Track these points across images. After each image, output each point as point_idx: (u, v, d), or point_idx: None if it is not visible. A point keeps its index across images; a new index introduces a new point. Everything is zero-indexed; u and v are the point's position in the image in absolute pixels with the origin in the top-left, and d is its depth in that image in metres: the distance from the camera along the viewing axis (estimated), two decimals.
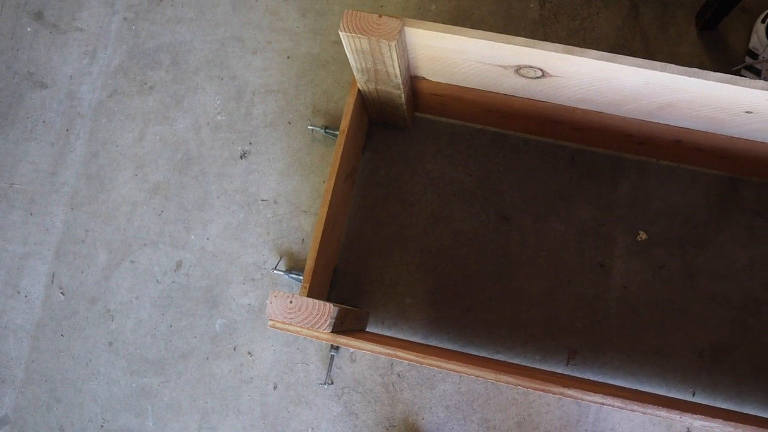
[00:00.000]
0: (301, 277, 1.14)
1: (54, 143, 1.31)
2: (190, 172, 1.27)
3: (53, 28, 1.35)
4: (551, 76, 0.95)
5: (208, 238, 1.25)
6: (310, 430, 1.17)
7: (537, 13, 1.27)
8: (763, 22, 1.21)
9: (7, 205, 1.30)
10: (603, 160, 1.21)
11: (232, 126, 1.28)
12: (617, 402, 0.81)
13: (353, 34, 0.90)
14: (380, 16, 0.89)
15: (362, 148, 1.24)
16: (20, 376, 1.24)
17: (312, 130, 1.26)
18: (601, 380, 1.15)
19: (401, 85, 1.03)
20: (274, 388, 1.19)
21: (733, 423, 0.81)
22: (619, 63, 0.87)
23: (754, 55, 1.21)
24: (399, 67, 0.95)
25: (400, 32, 0.89)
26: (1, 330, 1.26)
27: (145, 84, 1.32)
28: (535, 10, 1.27)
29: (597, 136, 1.15)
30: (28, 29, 1.35)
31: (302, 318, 0.84)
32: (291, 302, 0.84)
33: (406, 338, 1.18)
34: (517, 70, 0.95)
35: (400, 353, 0.84)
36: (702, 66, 1.23)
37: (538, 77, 0.96)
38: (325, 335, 0.85)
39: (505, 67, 0.96)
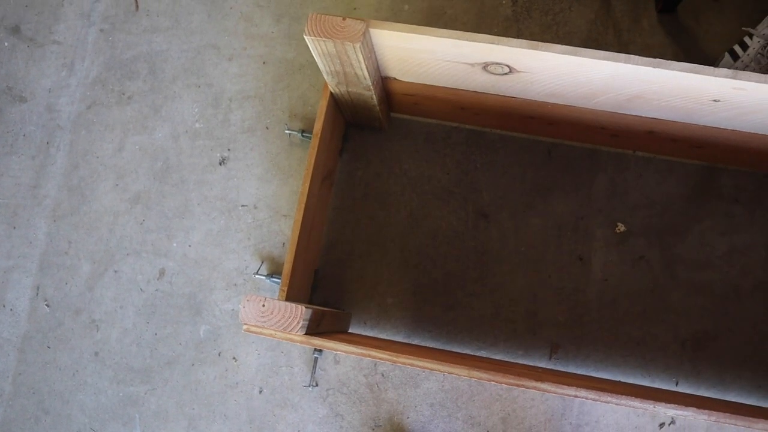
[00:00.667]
0: None
1: (35, 156, 1.32)
2: (170, 181, 1.28)
3: (30, 42, 1.36)
4: (518, 71, 0.95)
5: (190, 246, 1.25)
6: None
7: (510, 10, 1.28)
8: None
9: None
10: (579, 154, 1.21)
11: (210, 133, 1.29)
12: (590, 394, 0.82)
13: (318, 38, 0.90)
14: (344, 18, 0.90)
15: (339, 150, 1.24)
16: (8, 389, 1.25)
17: (289, 134, 1.26)
18: (584, 373, 1.15)
19: (372, 87, 1.03)
20: (260, 392, 1.20)
21: (706, 411, 0.81)
22: (583, 56, 0.88)
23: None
24: (366, 68, 0.96)
25: (365, 34, 0.89)
26: None
27: (123, 94, 1.32)
28: (507, 6, 1.28)
29: (571, 129, 1.16)
30: (6, 44, 1.36)
31: (275, 321, 0.84)
32: (263, 306, 0.85)
33: (388, 338, 1.18)
34: (485, 67, 0.96)
35: (373, 353, 0.85)
36: (675, 56, 1.23)
37: (506, 73, 0.97)
38: (299, 337, 0.86)
39: (472, 65, 0.96)
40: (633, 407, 0.81)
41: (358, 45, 0.89)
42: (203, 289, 1.24)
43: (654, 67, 0.87)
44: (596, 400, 0.81)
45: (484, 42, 0.88)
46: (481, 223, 1.20)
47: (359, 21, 0.89)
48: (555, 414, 1.14)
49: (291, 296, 1.07)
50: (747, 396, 1.13)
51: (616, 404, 0.81)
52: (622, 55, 0.88)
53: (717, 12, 1.24)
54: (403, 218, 1.22)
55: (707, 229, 1.18)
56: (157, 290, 1.25)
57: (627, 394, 0.83)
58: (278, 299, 1.03)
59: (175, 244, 1.26)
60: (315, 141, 1.07)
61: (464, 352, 1.17)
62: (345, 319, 1.16)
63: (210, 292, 1.24)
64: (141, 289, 1.25)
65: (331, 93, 1.10)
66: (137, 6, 1.36)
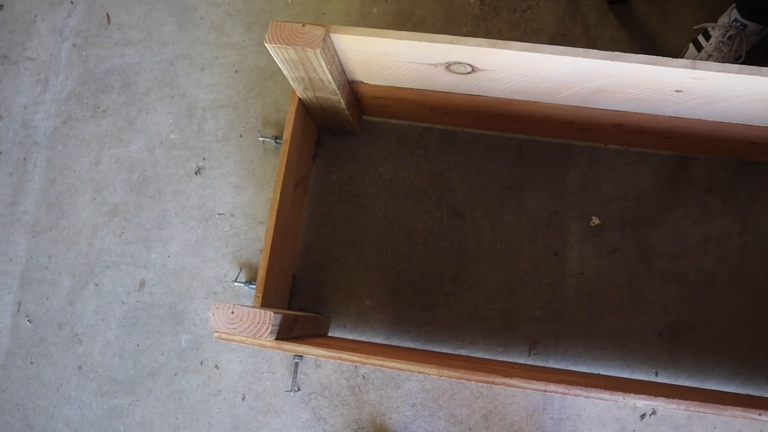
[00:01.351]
0: None
1: (12, 173, 1.33)
2: (147, 192, 1.29)
3: (4, 59, 1.37)
4: (481, 70, 0.96)
5: (168, 256, 1.26)
6: None
7: (478, 9, 1.28)
8: None
9: None
10: (551, 149, 1.22)
11: (185, 143, 1.30)
12: (559, 388, 0.82)
13: (279, 45, 0.91)
14: (304, 25, 0.90)
15: (313, 155, 1.25)
16: None
17: (263, 141, 1.27)
18: (563, 367, 1.16)
19: (338, 91, 1.04)
20: (243, 399, 1.20)
21: (675, 400, 0.82)
22: (542, 53, 0.88)
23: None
24: (330, 73, 0.97)
25: (324, 39, 0.90)
26: None
27: (98, 108, 1.33)
28: (475, 5, 1.29)
29: (541, 125, 1.16)
30: None
31: (244, 327, 0.85)
32: (233, 313, 0.85)
33: (368, 340, 1.19)
34: (448, 66, 0.97)
35: (343, 355, 0.85)
36: (643, 48, 1.24)
37: (469, 72, 0.98)
38: (270, 343, 0.86)
39: (435, 65, 0.97)
40: (603, 399, 0.82)
41: (318, 50, 0.89)
42: (183, 298, 1.24)
43: (612, 61, 0.88)
44: (565, 394, 0.82)
45: (443, 42, 0.89)
46: (456, 222, 1.21)
47: (318, 27, 0.90)
48: (536, 409, 1.14)
49: (267, 302, 1.07)
50: (726, 383, 1.13)
51: (585, 397, 0.81)
52: (581, 50, 0.88)
53: (683, 2, 1.25)
54: (379, 220, 1.22)
55: (681, 218, 1.19)
56: (137, 302, 1.25)
57: (603, 387, 0.84)
58: (254, 305, 1.03)
59: (154, 255, 1.26)
60: (285, 147, 1.08)
61: (444, 351, 1.17)
62: (323, 323, 1.16)
63: (190, 301, 1.24)
64: (122, 301, 1.26)
65: (299, 99, 1.11)
66: (109, 20, 1.36)
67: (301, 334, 1.01)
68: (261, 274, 1.05)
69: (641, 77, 0.92)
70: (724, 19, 1.16)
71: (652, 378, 1.15)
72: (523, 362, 1.16)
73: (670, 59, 0.88)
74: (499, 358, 1.16)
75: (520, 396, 1.15)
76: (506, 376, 0.83)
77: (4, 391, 1.25)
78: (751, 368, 1.13)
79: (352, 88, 1.12)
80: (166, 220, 1.27)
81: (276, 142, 1.24)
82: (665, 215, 1.19)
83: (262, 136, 1.25)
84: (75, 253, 1.28)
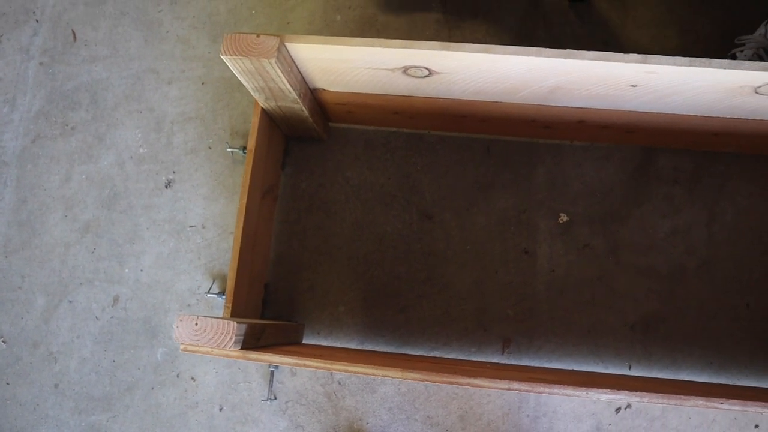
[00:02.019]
0: None
1: None
2: (118, 207, 1.29)
3: None
4: (438, 73, 0.97)
5: (141, 270, 1.26)
6: None
7: (440, 13, 1.29)
8: None
9: None
10: (517, 148, 1.23)
11: (155, 157, 1.30)
12: (523, 386, 0.83)
13: (235, 57, 0.92)
14: (258, 35, 0.91)
15: (281, 164, 1.25)
16: None
17: (231, 152, 1.27)
18: (537, 365, 1.16)
19: (299, 100, 1.05)
20: (220, 409, 1.20)
21: (638, 393, 0.82)
22: (495, 53, 0.89)
23: None
24: (288, 82, 0.97)
25: (279, 49, 0.90)
26: None
27: (67, 125, 1.33)
28: (437, 9, 1.29)
29: (504, 125, 1.17)
30: None
31: (208, 338, 0.85)
32: (196, 324, 0.85)
33: (342, 346, 1.19)
34: (405, 71, 0.97)
35: (308, 362, 0.85)
36: (606, 44, 1.25)
37: (426, 76, 0.98)
38: (235, 353, 0.87)
39: (392, 70, 0.98)
40: (566, 395, 0.82)
41: (273, 60, 0.90)
42: (158, 312, 1.25)
43: (565, 58, 0.89)
44: (529, 392, 0.82)
45: (397, 47, 0.90)
46: (425, 225, 1.21)
47: (273, 37, 0.90)
48: (512, 407, 1.15)
49: (237, 312, 1.08)
50: (699, 373, 1.14)
51: (549, 394, 0.82)
52: (533, 49, 0.89)
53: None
54: (349, 226, 1.23)
55: (649, 212, 1.20)
56: (112, 317, 1.25)
57: (575, 383, 0.84)
58: (223, 316, 1.04)
59: (127, 270, 1.27)
60: (249, 157, 1.08)
61: (418, 353, 1.18)
62: (296, 331, 1.16)
63: (165, 314, 1.24)
64: (96, 318, 1.26)
65: (262, 109, 1.11)
66: (75, 37, 1.37)
67: (272, 342, 1.01)
68: (230, 284, 1.05)
69: (596, 73, 0.93)
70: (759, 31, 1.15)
71: (625, 372, 1.15)
72: (497, 361, 1.16)
73: (621, 54, 0.89)
74: (473, 358, 1.17)
75: (495, 395, 1.15)
76: (469, 376, 0.83)
77: None
78: (723, 357, 1.14)
79: (314, 95, 1.12)
80: (138, 235, 1.27)
81: (244, 153, 1.25)
82: (633, 209, 1.20)
83: (230, 147, 1.26)
84: (48, 271, 1.28)
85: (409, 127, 1.24)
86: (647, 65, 0.88)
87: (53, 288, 1.28)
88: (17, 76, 1.36)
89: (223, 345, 0.84)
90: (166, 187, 1.29)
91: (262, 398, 1.19)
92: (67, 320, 1.26)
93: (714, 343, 1.15)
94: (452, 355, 1.17)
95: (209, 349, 0.87)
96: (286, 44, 0.92)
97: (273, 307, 1.22)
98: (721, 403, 0.82)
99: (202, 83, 1.31)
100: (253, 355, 0.87)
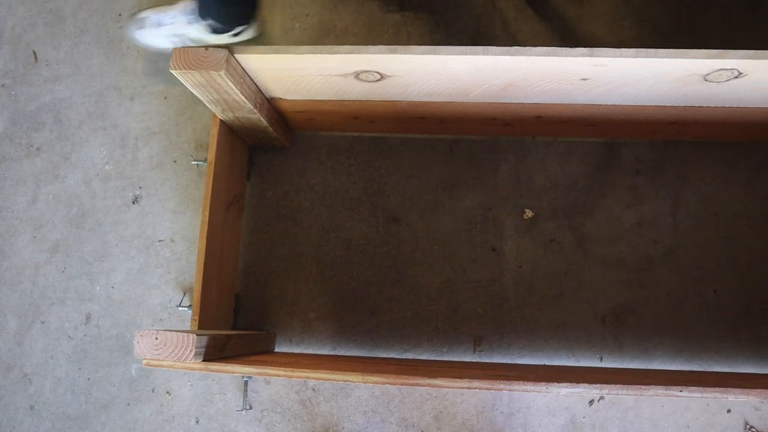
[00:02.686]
0: None
1: None
2: (86, 225, 1.29)
3: None
4: (389, 76, 0.97)
5: (112, 287, 1.26)
6: None
7: (398, 15, 1.30)
8: None
9: None
10: (480, 146, 1.23)
11: (121, 173, 1.30)
12: (484, 384, 0.83)
13: (185, 71, 0.92)
14: (206, 48, 0.91)
15: (246, 174, 1.25)
16: None
17: (197, 165, 1.27)
18: (509, 362, 1.16)
19: (255, 110, 1.05)
20: (197, 422, 1.20)
21: (598, 385, 0.83)
22: (442, 54, 0.90)
23: None
24: (241, 93, 0.97)
25: (227, 61, 0.91)
26: None
27: (32, 146, 1.33)
28: (395, 12, 1.30)
29: (464, 124, 1.17)
30: None
31: (169, 352, 0.85)
32: (156, 339, 0.85)
33: (314, 352, 1.19)
34: (357, 76, 0.98)
35: (270, 370, 0.86)
36: (563, 39, 1.26)
37: (379, 80, 0.99)
38: (197, 365, 0.87)
39: (344, 76, 0.98)
40: (527, 391, 0.82)
41: (222, 72, 0.90)
42: (130, 327, 1.24)
43: (512, 56, 0.89)
44: (490, 389, 0.82)
45: (344, 53, 0.90)
46: (392, 228, 1.22)
47: (221, 49, 0.91)
48: (486, 405, 1.15)
49: (206, 324, 1.08)
50: (670, 362, 1.14)
51: (509, 390, 0.82)
52: (480, 48, 0.90)
53: None
54: (316, 233, 1.23)
55: (613, 203, 1.20)
56: (85, 335, 1.25)
57: (542, 379, 0.84)
58: (189, 329, 1.04)
59: (98, 288, 1.26)
60: (210, 169, 1.09)
61: (390, 356, 1.18)
62: (267, 340, 1.17)
63: (137, 330, 1.24)
64: (69, 337, 1.26)
65: (221, 121, 1.12)
66: (36, 57, 1.37)
67: (239, 352, 1.01)
68: (196, 296, 1.05)
69: (545, 69, 0.93)
70: None
71: (597, 364, 1.16)
72: (468, 360, 1.17)
73: (568, 49, 0.89)
74: (445, 358, 1.17)
75: (469, 394, 1.15)
76: (430, 376, 0.83)
77: None
78: (693, 344, 1.15)
79: (271, 104, 1.12)
80: (108, 252, 1.27)
81: None
82: (597, 201, 1.20)
83: (195, 160, 1.26)
84: (19, 293, 1.28)
85: (371, 131, 1.24)
86: (594, 58, 0.89)
87: (25, 309, 1.27)
88: None
89: (183, 358, 0.84)
90: (134, 202, 1.29)
91: (238, 408, 1.19)
92: (40, 341, 1.26)
93: (684, 331, 1.15)
94: (424, 356, 1.18)
95: (171, 363, 0.87)
96: (236, 56, 0.93)
97: (245, 316, 1.22)
98: (680, 391, 0.82)
99: (165, 98, 1.32)
100: (215, 366, 0.87)
